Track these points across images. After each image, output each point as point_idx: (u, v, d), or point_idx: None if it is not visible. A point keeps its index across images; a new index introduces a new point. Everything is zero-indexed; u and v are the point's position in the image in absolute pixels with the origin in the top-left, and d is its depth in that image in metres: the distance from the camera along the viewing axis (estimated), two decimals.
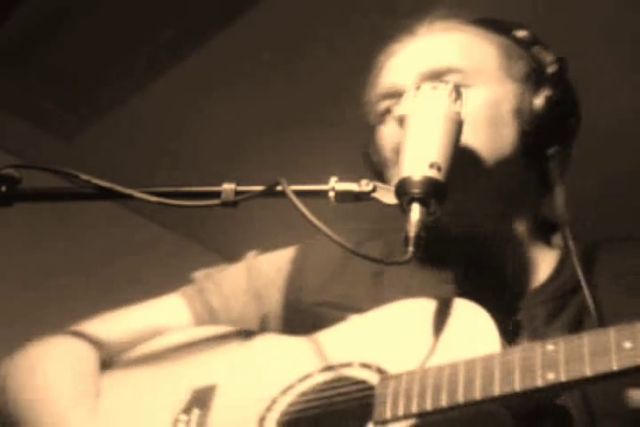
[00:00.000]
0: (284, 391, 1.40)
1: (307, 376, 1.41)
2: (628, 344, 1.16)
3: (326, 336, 1.47)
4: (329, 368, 1.40)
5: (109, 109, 3.25)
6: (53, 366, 1.54)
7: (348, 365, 1.39)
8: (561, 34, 2.83)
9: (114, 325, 1.63)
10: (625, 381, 1.33)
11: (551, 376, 1.18)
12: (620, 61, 2.95)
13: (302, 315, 1.58)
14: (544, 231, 1.63)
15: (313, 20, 2.91)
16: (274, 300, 1.62)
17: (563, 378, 1.18)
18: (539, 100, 1.59)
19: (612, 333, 1.18)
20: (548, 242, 1.63)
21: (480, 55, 1.62)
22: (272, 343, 1.53)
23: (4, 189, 1.45)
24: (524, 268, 1.57)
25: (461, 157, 1.45)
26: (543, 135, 1.58)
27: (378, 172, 1.64)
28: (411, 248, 1.31)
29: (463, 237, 1.58)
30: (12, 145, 3.31)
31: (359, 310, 1.49)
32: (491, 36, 1.64)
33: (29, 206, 1.46)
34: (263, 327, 1.61)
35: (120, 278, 3.44)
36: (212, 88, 3.14)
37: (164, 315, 1.64)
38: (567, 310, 1.50)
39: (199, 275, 1.69)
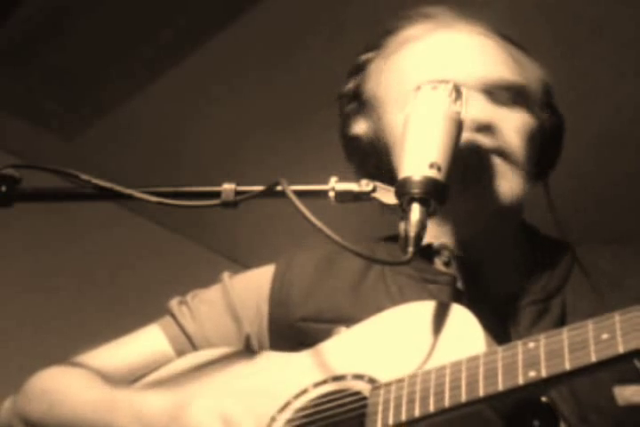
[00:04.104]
0: (282, 409, 1.41)
1: (303, 392, 1.41)
2: (605, 336, 1.17)
3: (321, 350, 1.47)
4: (324, 382, 1.41)
5: (110, 109, 3.25)
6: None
7: (342, 377, 1.39)
8: (560, 34, 2.85)
9: (106, 359, 1.62)
10: (613, 377, 1.35)
11: (532, 374, 1.19)
12: (619, 62, 2.95)
13: (288, 332, 1.58)
14: (524, 234, 1.63)
15: (313, 20, 2.91)
16: (254, 320, 1.61)
17: (544, 374, 1.18)
18: (549, 126, 1.61)
19: (589, 326, 1.19)
20: (528, 245, 1.62)
21: (527, 75, 1.61)
22: (268, 362, 1.53)
23: (4, 189, 1.45)
24: (507, 270, 1.57)
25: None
26: (552, 159, 1.63)
27: (366, 155, 1.63)
28: (411, 248, 1.32)
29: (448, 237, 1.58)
30: (12, 145, 3.30)
31: (342, 320, 1.49)
32: (522, 55, 1.64)
33: (29, 206, 1.46)
34: (247, 348, 1.60)
35: (120, 279, 3.44)
36: (212, 88, 3.14)
37: (146, 346, 1.64)
38: (550, 313, 1.50)
39: (173, 302, 1.68)
